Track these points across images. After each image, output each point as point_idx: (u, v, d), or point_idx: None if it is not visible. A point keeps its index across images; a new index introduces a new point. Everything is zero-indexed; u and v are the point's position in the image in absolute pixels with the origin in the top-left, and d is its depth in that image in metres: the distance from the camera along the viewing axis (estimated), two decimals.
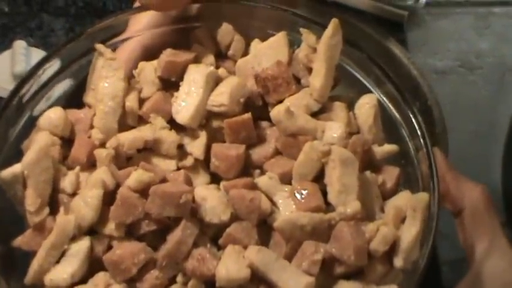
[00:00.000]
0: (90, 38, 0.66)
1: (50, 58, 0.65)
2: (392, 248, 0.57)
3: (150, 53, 0.67)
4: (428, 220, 0.56)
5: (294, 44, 0.68)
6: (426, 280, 0.56)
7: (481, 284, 0.56)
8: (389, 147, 0.63)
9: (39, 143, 0.59)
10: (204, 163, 0.63)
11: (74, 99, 0.67)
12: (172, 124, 0.64)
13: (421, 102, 0.92)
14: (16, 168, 0.59)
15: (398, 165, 0.64)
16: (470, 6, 1.09)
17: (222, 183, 0.60)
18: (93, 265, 0.58)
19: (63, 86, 0.67)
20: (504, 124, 0.95)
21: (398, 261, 0.56)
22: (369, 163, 0.62)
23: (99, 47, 0.65)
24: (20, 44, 0.87)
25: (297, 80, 0.66)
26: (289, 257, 0.57)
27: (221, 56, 0.69)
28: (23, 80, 0.63)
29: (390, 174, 0.62)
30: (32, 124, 0.63)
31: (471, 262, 0.58)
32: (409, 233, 0.56)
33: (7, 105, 0.62)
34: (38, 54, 0.87)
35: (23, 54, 0.87)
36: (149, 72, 0.65)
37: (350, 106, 0.66)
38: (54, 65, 0.66)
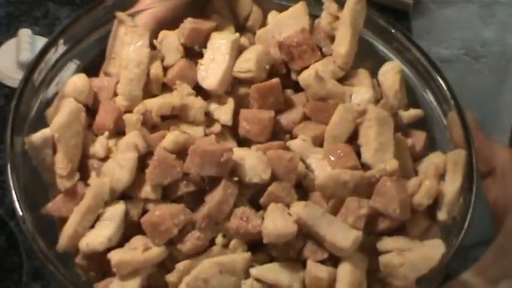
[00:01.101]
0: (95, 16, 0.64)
1: (56, 39, 0.63)
2: (434, 202, 0.57)
3: (163, 26, 0.66)
4: (469, 175, 0.57)
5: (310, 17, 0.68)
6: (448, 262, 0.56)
7: None
8: (415, 112, 0.64)
9: (69, 106, 0.58)
10: (231, 130, 0.63)
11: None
12: (198, 91, 0.63)
13: None
14: (46, 132, 0.57)
15: (423, 130, 0.64)
16: None
17: (256, 146, 0.59)
18: (128, 230, 0.56)
19: (71, 68, 0.65)
20: (509, 112, 0.96)
21: (442, 215, 0.56)
22: (396, 127, 0.62)
23: (120, 15, 0.64)
24: (25, 33, 0.85)
25: (319, 49, 0.66)
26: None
27: (239, 28, 0.69)
28: (34, 64, 0.61)
29: (418, 138, 0.63)
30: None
31: (503, 221, 0.59)
32: (452, 186, 0.56)
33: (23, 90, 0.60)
34: (43, 42, 0.84)
35: (28, 43, 0.85)
36: (172, 40, 0.64)
37: (371, 74, 0.66)
38: (60, 47, 0.64)
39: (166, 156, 0.56)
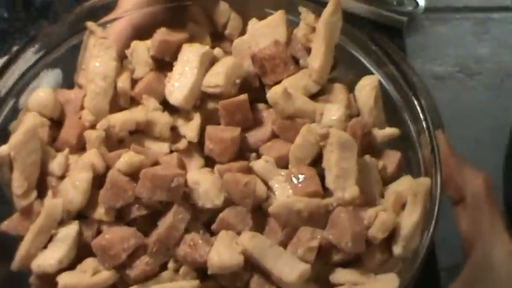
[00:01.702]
0: (75, 21, 0.63)
1: (29, 44, 0.62)
2: (392, 235, 0.54)
3: (141, 33, 0.64)
4: (430, 206, 0.54)
5: (292, 24, 0.65)
6: (424, 286, 0.54)
7: (483, 273, 0.54)
8: (390, 131, 0.61)
9: (27, 124, 0.57)
10: (198, 146, 0.61)
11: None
12: (166, 106, 0.62)
13: None
14: (2, 150, 0.57)
15: (399, 150, 0.61)
16: (469, 11, 1.09)
17: (216, 167, 0.58)
18: (82, 250, 0.56)
19: (50, 75, 0.65)
20: (503, 130, 0.94)
21: (397, 249, 0.54)
22: (369, 147, 0.60)
23: (91, 25, 0.63)
24: None
25: (295, 61, 0.63)
26: (284, 244, 0.55)
27: (217, 35, 0.67)
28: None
29: (391, 159, 0.60)
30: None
31: (470, 252, 0.56)
32: (410, 219, 0.53)
33: None
34: None
35: None
36: (142, 52, 0.63)
37: (350, 88, 0.63)
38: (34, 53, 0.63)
39: (119, 179, 0.55)
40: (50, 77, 0.65)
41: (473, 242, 0.55)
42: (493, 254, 0.54)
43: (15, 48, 0.73)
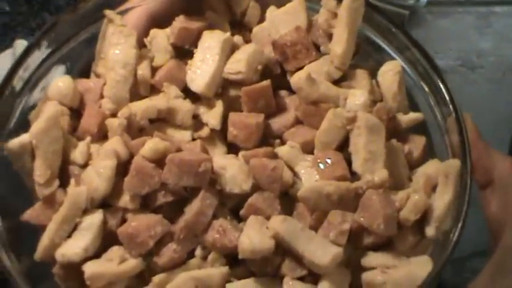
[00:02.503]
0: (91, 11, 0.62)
1: (39, 42, 0.61)
2: (424, 217, 0.53)
3: (157, 22, 0.63)
4: (461, 188, 0.53)
5: (310, 11, 0.65)
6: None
7: None
8: (414, 115, 0.60)
9: (48, 112, 0.56)
10: (221, 134, 0.60)
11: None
12: (187, 93, 0.61)
13: None
14: (24, 138, 0.56)
15: (424, 135, 0.61)
16: (471, 5, 1.09)
17: (241, 153, 0.57)
18: (107, 239, 0.55)
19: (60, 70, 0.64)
20: (506, 123, 0.94)
21: (430, 230, 0.53)
22: (394, 132, 0.59)
23: (109, 13, 0.62)
24: (21, 43, 0.84)
25: (317, 47, 0.63)
26: (314, 228, 0.54)
27: (236, 24, 0.66)
28: (13, 68, 0.59)
29: (417, 143, 0.59)
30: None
31: (501, 235, 0.55)
32: (442, 200, 0.53)
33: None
34: None
35: None
36: (162, 39, 0.62)
37: (372, 74, 0.62)
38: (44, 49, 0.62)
39: (144, 166, 0.54)
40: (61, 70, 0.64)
41: (503, 224, 0.54)
42: None
43: (29, 40, 0.73)
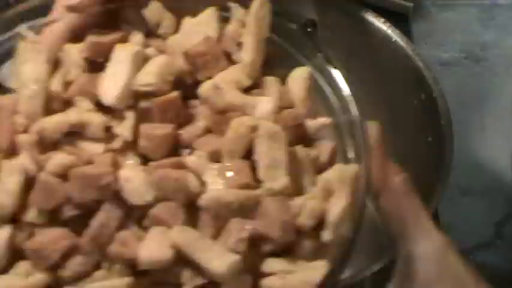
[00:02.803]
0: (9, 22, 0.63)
1: None
2: (322, 222, 0.54)
3: (77, 35, 0.64)
4: (358, 192, 0.54)
5: (226, 21, 0.66)
6: None
7: (416, 265, 0.54)
8: (322, 121, 0.61)
9: None
10: (134, 145, 0.61)
11: None
12: (101, 106, 0.61)
13: (426, 94, 0.93)
14: None
15: (334, 139, 0.61)
16: None
17: (150, 164, 0.58)
18: (15, 254, 0.56)
19: None
20: (509, 115, 0.95)
21: (326, 235, 0.54)
22: (302, 137, 0.60)
23: (22, 29, 0.63)
24: None
25: (228, 56, 0.64)
26: (216, 237, 0.55)
27: (152, 35, 0.67)
28: None
29: (324, 149, 0.60)
30: None
31: (398, 247, 0.56)
32: (337, 205, 0.54)
33: None
34: None
35: None
36: (74, 54, 0.63)
37: (283, 80, 0.63)
38: None
39: (48, 180, 0.55)
40: None
41: (400, 237, 0.55)
42: (422, 247, 0.54)
43: None
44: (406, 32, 1.00)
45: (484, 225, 0.98)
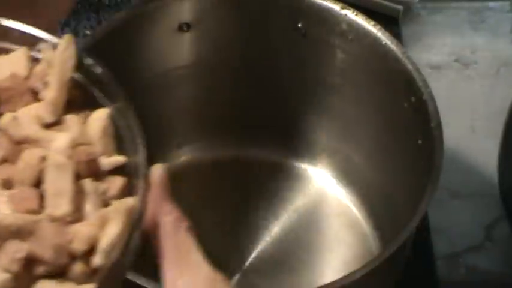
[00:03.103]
0: None
1: None
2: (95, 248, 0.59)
3: None
4: (131, 223, 0.59)
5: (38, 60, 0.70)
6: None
7: None
8: (115, 159, 0.66)
9: None
10: None
11: None
12: None
13: (416, 97, 0.91)
14: None
15: (127, 176, 0.66)
16: (465, 0, 1.09)
17: None
18: None
19: None
20: (499, 118, 0.95)
21: (96, 260, 0.58)
22: (94, 172, 0.64)
23: None
24: None
25: (35, 94, 0.68)
26: None
27: None
28: None
29: (114, 184, 0.65)
30: None
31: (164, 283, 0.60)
32: (108, 233, 0.58)
33: None
34: None
35: None
36: None
37: (86, 120, 0.68)
38: None
39: None
40: None
41: (163, 271, 0.59)
42: (183, 282, 0.58)
43: None
44: (396, 35, 0.98)
45: (474, 228, 0.98)
